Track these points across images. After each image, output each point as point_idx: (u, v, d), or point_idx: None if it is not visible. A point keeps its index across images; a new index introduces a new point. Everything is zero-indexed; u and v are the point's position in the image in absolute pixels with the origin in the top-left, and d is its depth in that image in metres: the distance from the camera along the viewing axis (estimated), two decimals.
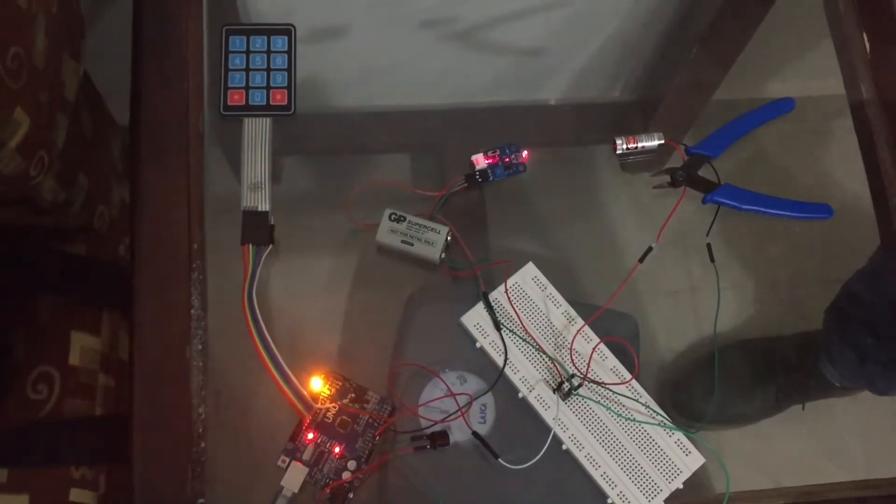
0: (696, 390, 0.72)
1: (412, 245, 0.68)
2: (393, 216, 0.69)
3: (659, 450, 0.65)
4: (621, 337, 0.69)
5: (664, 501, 0.63)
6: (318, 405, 0.64)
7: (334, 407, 0.64)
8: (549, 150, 0.80)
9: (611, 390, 0.65)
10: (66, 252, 0.79)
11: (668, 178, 0.72)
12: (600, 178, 0.79)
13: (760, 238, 0.78)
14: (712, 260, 0.70)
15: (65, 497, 0.70)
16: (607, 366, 0.67)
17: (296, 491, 0.62)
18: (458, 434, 0.65)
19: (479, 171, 0.72)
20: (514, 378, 0.66)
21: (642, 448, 0.65)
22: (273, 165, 0.70)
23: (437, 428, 0.65)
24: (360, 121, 0.82)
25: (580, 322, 0.67)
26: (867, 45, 0.78)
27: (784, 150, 0.80)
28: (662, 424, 0.65)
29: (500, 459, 0.63)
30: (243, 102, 0.71)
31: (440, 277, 0.71)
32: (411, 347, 0.69)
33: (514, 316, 0.67)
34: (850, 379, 0.75)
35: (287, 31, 0.73)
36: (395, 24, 0.83)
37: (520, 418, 0.66)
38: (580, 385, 0.65)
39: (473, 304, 0.68)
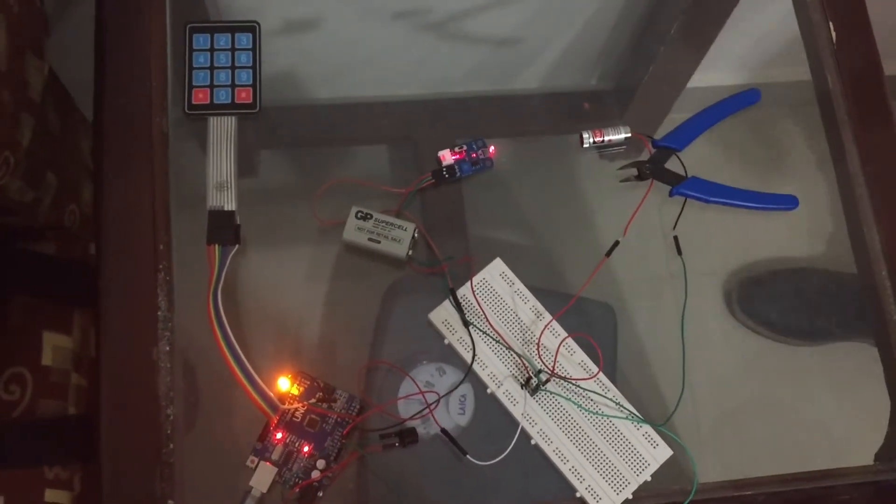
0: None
1: (379, 242, 0.68)
2: (359, 214, 0.69)
3: (627, 443, 0.65)
4: (597, 326, 0.69)
5: (632, 494, 0.64)
6: (286, 405, 0.64)
7: (302, 407, 0.64)
8: (524, 141, 0.80)
9: (577, 385, 0.66)
10: (36, 252, 0.79)
11: (634, 171, 0.72)
12: (575, 169, 0.79)
13: (728, 229, 0.78)
14: (679, 252, 0.70)
15: (40, 498, 0.70)
16: (575, 360, 0.67)
17: (265, 491, 0.62)
18: (436, 428, 0.65)
19: (445, 167, 0.72)
20: (483, 374, 0.66)
21: (610, 441, 0.65)
22: (240, 162, 0.70)
23: (410, 424, 0.65)
24: (332, 114, 0.81)
25: (548, 317, 0.67)
26: (833, 33, 0.78)
27: (750, 141, 0.80)
28: (630, 417, 0.65)
29: (467, 456, 0.63)
30: (208, 101, 0.70)
31: (412, 273, 0.71)
32: (383, 344, 0.69)
33: (482, 312, 0.67)
34: None
35: (251, 28, 0.72)
36: (367, 16, 0.82)
37: (495, 412, 0.66)
38: (548, 380, 0.65)
39: (445, 300, 0.68)
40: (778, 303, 0.76)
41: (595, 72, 0.88)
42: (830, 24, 0.78)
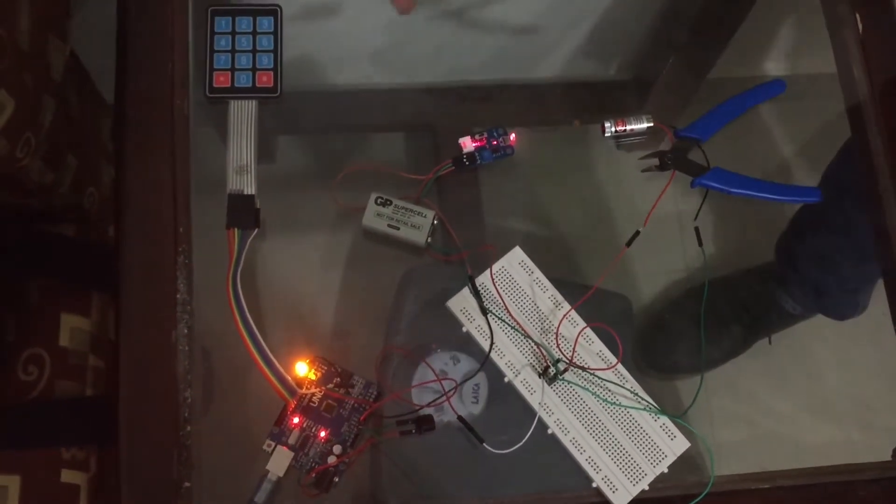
0: (660, 346, 0.73)
1: (398, 229, 0.68)
2: (379, 200, 0.69)
3: (644, 434, 0.65)
4: (614, 318, 0.69)
5: (648, 485, 0.64)
6: (303, 390, 0.64)
7: (319, 391, 0.64)
8: (543, 130, 0.80)
9: (595, 375, 0.65)
10: (55, 233, 0.79)
11: (656, 160, 0.72)
12: (594, 158, 0.79)
13: (750, 220, 0.78)
14: (700, 244, 0.70)
15: (56, 478, 0.70)
16: (593, 350, 0.67)
17: (281, 475, 0.62)
18: (449, 416, 0.65)
19: (466, 154, 0.72)
20: (500, 362, 0.66)
21: (627, 432, 0.65)
22: (260, 147, 0.69)
23: (425, 411, 0.65)
24: (351, 100, 0.81)
25: (567, 306, 0.67)
26: (860, 24, 0.77)
27: (774, 133, 0.80)
28: (648, 409, 0.65)
29: (484, 444, 0.63)
30: (229, 84, 0.70)
31: (430, 260, 0.71)
32: (398, 331, 0.69)
33: (500, 300, 0.67)
34: (809, 310, 0.78)
35: (273, 11, 0.72)
36: (387, 3, 0.82)
37: (508, 402, 0.66)
38: (566, 370, 0.65)
39: (463, 288, 0.68)
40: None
41: (614, 61, 0.88)
42: (857, 14, 0.78)
